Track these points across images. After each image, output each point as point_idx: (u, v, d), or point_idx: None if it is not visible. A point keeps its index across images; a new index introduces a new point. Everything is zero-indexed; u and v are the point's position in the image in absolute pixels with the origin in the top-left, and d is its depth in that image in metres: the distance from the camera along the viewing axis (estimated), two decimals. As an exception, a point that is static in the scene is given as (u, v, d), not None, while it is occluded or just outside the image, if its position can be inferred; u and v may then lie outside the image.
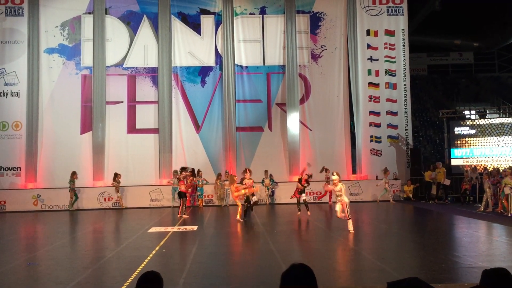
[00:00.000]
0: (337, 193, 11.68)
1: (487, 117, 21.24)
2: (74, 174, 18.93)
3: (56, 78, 20.69)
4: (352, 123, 21.94)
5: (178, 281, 7.15)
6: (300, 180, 15.27)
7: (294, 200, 19.76)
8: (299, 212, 15.30)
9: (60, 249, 10.16)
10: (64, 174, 19.81)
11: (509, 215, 14.41)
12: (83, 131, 20.60)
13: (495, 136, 19.67)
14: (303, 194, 15.32)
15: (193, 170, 17.06)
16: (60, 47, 20.85)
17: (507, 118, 20.24)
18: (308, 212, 14.87)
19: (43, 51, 20.70)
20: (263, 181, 19.65)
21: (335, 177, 11.68)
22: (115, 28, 21.08)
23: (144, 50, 21.15)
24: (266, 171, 19.74)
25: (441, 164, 19.64)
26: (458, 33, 29.20)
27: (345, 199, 11.43)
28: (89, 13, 20.89)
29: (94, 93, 20.48)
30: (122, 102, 20.97)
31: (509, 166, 16.87)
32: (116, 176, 19.17)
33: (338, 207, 11.55)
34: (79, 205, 19.07)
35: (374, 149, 21.27)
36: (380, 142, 21.34)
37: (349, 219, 11.25)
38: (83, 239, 12.16)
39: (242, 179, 14.91)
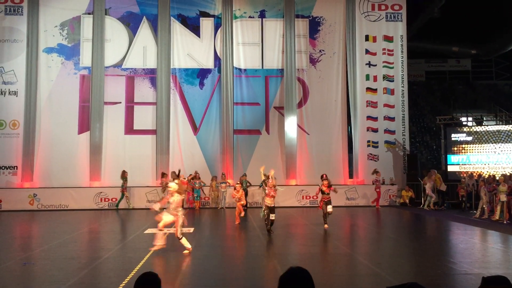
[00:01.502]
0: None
1: (484, 124, 21.32)
2: (125, 173, 19.14)
3: (54, 78, 20.66)
4: (350, 128, 21.99)
5: (174, 283, 7.15)
6: (323, 191, 13.23)
7: (292, 203, 19.91)
8: (326, 225, 12.98)
9: (56, 249, 10.13)
10: (61, 174, 19.79)
11: (505, 222, 14.45)
12: (80, 131, 20.57)
13: (492, 143, 19.75)
14: (329, 206, 13.03)
15: (179, 171, 16.70)
16: (59, 46, 20.84)
17: (503, 126, 20.32)
18: (326, 226, 12.95)
19: (42, 51, 20.67)
20: (261, 184, 19.60)
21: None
22: (114, 29, 21.09)
23: (143, 51, 21.16)
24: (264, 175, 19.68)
25: (436, 172, 19.67)
26: (456, 40, 29.32)
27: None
28: (89, 14, 20.89)
29: (92, 93, 20.47)
30: (120, 102, 20.95)
31: (502, 174, 16.94)
32: (124, 173, 19.23)
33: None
34: (76, 205, 18.99)
35: (371, 154, 21.32)
36: (377, 147, 21.39)
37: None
38: (79, 240, 12.13)
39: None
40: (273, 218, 12.10)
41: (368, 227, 14.53)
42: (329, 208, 12.99)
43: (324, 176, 13.59)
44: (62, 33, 20.89)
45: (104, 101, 20.58)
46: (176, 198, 9.75)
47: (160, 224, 9.71)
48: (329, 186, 13.18)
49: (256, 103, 21.42)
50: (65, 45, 20.88)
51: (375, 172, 19.71)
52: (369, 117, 21.48)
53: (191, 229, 13.05)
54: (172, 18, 21.21)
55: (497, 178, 16.41)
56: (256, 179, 19.64)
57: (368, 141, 21.38)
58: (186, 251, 9.54)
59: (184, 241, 9.62)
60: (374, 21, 21.81)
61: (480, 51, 29.70)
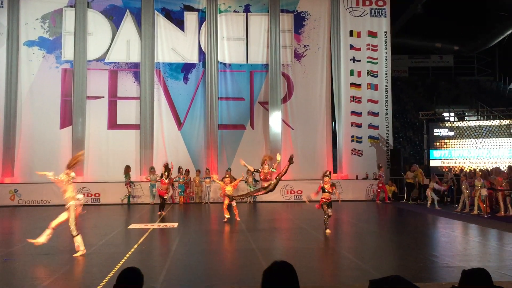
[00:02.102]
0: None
1: (465, 119, 21.61)
2: (129, 168, 19.07)
3: (35, 72, 20.33)
4: (334, 123, 22.08)
5: (157, 278, 7.11)
6: (323, 189, 11.51)
7: (276, 198, 19.89)
8: (328, 230, 11.18)
9: (37, 245, 9.97)
10: (43, 169, 19.34)
11: (485, 216, 14.68)
12: (62, 126, 20.29)
13: (473, 138, 20.02)
14: (330, 209, 11.43)
15: (166, 165, 16.54)
16: (41, 40, 20.50)
17: (485, 121, 20.61)
18: (328, 231, 11.20)
19: (22, 44, 20.31)
20: (246, 180, 19.64)
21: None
22: (97, 22, 20.81)
23: (126, 45, 20.93)
24: (248, 170, 19.67)
25: (417, 166, 19.92)
26: (439, 36, 29.60)
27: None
28: (71, 6, 20.57)
29: (75, 88, 20.20)
30: (103, 97, 20.72)
31: (479, 169, 17.20)
32: (128, 169, 19.14)
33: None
34: (58, 201, 18.76)
35: (355, 149, 21.45)
36: (361, 142, 21.53)
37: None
38: (61, 235, 11.98)
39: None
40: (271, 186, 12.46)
41: (351, 222, 14.64)
42: (330, 212, 11.34)
43: (328, 172, 11.91)
44: (43, 26, 20.55)
45: (86, 95, 20.32)
46: (69, 191, 9.14)
47: (53, 223, 9.15)
48: (332, 185, 11.59)
49: (240, 98, 21.37)
50: (46, 38, 20.55)
51: (379, 167, 19.95)
52: (353, 112, 21.60)
53: (175, 224, 13.00)
54: (156, 11, 21.00)
55: (474, 171, 16.67)
56: (241, 174, 19.66)
57: (352, 136, 21.50)
58: (77, 254, 8.65)
59: (78, 240, 8.75)
60: (358, 16, 21.89)
61: (463, 48, 30.03)
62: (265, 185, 12.66)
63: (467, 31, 28.55)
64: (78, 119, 20.07)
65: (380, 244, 10.48)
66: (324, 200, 11.37)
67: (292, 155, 12.97)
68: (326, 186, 11.41)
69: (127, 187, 19.05)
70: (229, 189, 13.41)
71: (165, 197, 15.61)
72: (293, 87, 21.58)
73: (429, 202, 17.42)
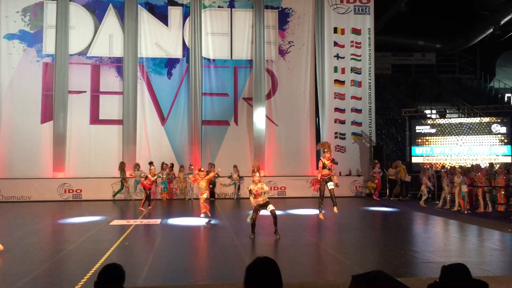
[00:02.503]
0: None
1: (447, 116, 21.88)
2: (123, 164, 18.95)
3: (16, 65, 19.96)
4: (318, 119, 22.17)
5: (140, 274, 7.07)
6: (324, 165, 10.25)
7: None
8: (322, 213, 10.40)
9: (18, 242, 9.85)
10: (23, 164, 19.20)
11: (465, 212, 14.90)
12: (43, 121, 19.99)
13: (454, 136, 20.29)
14: (330, 183, 10.62)
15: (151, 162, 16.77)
16: (21, 33, 20.13)
17: (466, 118, 20.91)
18: (335, 208, 10.95)
19: (2, 37, 19.91)
20: (231, 175, 19.66)
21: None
22: (79, 16, 20.51)
23: (109, 39, 20.68)
24: (235, 166, 19.68)
25: (400, 162, 20.12)
26: (422, 34, 29.92)
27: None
28: (52, -1, 20.25)
29: (56, 82, 19.90)
30: (85, 92, 20.46)
31: (459, 166, 17.44)
32: (122, 165, 19.03)
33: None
34: (39, 197, 18.52)
35: (338, 145, 21.57)
36: (344, 138, 21.66)
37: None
38: (42, 232, 11.84)
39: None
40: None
41: (334, 217, 14.71)
42: (330, 185, 10.42)
43: (327, 145, 11.15)
44: (24, 19, 20.18)
45: (68, 90, 20.04)
46: None
47: None
48: (333, 160, 10.76)
49: (225, 94, 21.31)
50: (27, 31, 20.19)
51: (374, 164, 20.05)
52: (336, 109, 21.71)
53: (158, 221, 12.93)
54: (139, 6, 20.78)
55: (454, 168, 16.89)
56: (225, 170, 19.65)
57: (336, 133, 21.62)
58: None
59: None
60: (342, 13, 21.98)
61: (445, 46, 30.42)
62: (261, 202, 10.29)
63: (449, 29, 28.91)
64: (59, 114, 19.79)
65: (363, 240, 10.57)
66: (323, 178, 10.52)
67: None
68: (327, 162, 10.57)
69: (123, 183, 18.94)
70: (203, 184, 12.52)
71: (148, 191, 15.42)
72: (277, 83, 21.59)
73: (424, 198, 17.20)
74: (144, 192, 15.50)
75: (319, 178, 10.70)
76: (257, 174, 10.17)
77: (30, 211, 15.65)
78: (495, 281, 6.50)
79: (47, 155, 19.63)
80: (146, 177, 15.64)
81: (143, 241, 10.62)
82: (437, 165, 20.01)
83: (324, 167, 10.61)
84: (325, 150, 11.16)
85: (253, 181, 10.16)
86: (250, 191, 9.96)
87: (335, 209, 10.31)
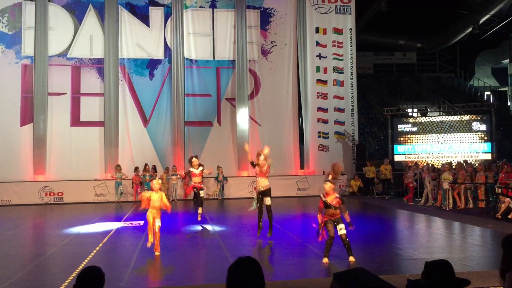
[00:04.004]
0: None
1: (428, 115, 22.12)
2: (118, 167, 18.79)
3: (-6, 67, 19.64)
4: (301, 119, 22.23)
5: (123, 277, 6.99)
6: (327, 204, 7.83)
7: (244, 194, 19.88)
8: (352, 258, 7.81)
9: (-3, 246, 9.66)
10: (2, 168, 18.84)
11: (447, 209, 15.08)
12: (23, 123, 19.68)
13: (435, 134, 20.53)
14: (341, 225, 7.75)
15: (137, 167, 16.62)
16: (-1, 34, 19.80)
17: (446, 117, 21.17)
18: (351, 258, 7.78)
19: (-21, 38, 19.59)
20: (217, 176, 19.55)
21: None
22: (58, 17, 20.24)
23: (89, 40, 20.44)
24: (219, 167, 19.56)
25: (388, 161, 20.21)
26: (402, 34, 30.22)
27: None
28: (31, 0, 19.92)
29: (35, 84, 19.59)
30: (66, 93, 20.19)
31: (447, 162, 17.65)
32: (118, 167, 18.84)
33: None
34: (19, 200, 18.20)
35: (321, 144, 21.66)
36: (327, 138, 21.75)
37: None
38: (22, 235, 11.64)
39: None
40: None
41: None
42: (341, 230, 7.70)
43: (329, 177, 8.54)
44: (2, 21, 19.85)
45: (48, 92, 19.76)
46: None
47: None
48: (340, 199, 7.90)
49: (207, 95, 21.23)
50: (5, 33, 19.85)
51: (408, 168, 19.81)
52: (319, 109, 21.79)
53: (141, 222, 12.80)
54: (120, 6, 20.59)
55: (442, 165, 17.03)
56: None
57: (319, 132, 21.71)
58: None
59: None
60: (324, 13, 22.07)
61: (425, 45, 30.78)
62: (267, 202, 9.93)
63: (429, 29, 29.26)
64: (39, 116, 19.49)
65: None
66: (329, 218, 7.79)
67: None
68: (328, 198, 7.76)
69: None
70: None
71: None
72: (260, 83, 21.59)
73: (423, 200, 16.91)
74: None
75: (321, 223, 7.84)
76: (261, 157, 10.15)
77: (10, 215, 15.37)
78: (477, 276, 6.57)
79: (27, 158, 19.32)
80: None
81: (126, 243, 10.51)
82: (422, 163, 20.06)
83: (327, 206, 7.77)
84: (329, 179, 8.20)
85: (258, 164, 10.02)
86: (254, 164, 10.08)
87: (351, 258, 7.69)
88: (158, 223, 8.49)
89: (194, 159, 12.35)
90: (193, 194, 19.09)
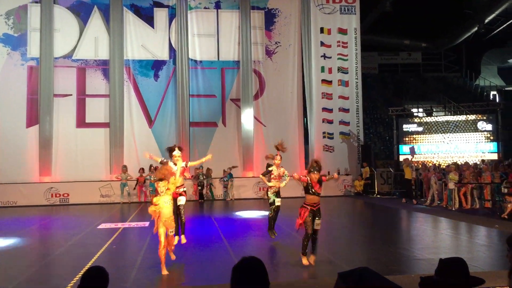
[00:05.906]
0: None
1: (433, 115, 22.03)
2: (124, 167, 18.93)
3: (0, 69, 19.73)
4: (305, 120, 22.20)
5: (128, 278, 6.99)
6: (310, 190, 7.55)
7: (249, 195, 20.01)
8: (313, 256, 7.59)
9: (3, 247, 9.70)
10: (9, 169, 18.93)
11: (453, 209, 15.01)
12: (29, 125, 19.77)
13: (441, 133, 20.44)
14: (317, 220, 7.57)
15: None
16: (5, 36, 19.89)
17: (452, 116, 21.09)
18: (312, 258, 7.57)
19: (-15, 40, 19.70)
20: (227, 179, 19.60)
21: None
22: (63, 19, 20.33)
23: (94, 42, 20.52)
24: (229, 168, 19.63)
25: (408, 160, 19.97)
26: (407, 34, 30.15)
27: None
28: (36, 2, 20.02)
29: (41, 85, 19.68)
30: (71, 95, 20.27)
31: (453, 162, 17.56)
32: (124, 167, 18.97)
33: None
34: (25, 201, 18.27)
35: (326, 145, 21.62)
36: (332, 138, 21.71)
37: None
38: (29, 236, 11.68)
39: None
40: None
41: (323, 217, 14.71)
42: (317, 224, 7.54)
43: (315, 163, 7.89)
44: (7, 23, 19.95)
45: (54, 93, 19.84)
46: None
47: None
48: (320, 182, 7.66)
49: (212, 95, 21.24)
50: (11, 35, 19.96)
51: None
52: (324, 109, 21.75)
53: (146, 223, 12.83)
54: (124, 8, 20.65)
55: (448, 165, 16.93)
56: (214, 172, 19.60)
57: (324, 133, 21.67)
58: None
59: None
60: (328, 13, 22.04)
61: (430, 44, 30.70)
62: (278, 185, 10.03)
63: (434, 28, 29.17)
64: (45, 117, 19.58)
65: (351, 238, 10.58)
66: (310, 208, 7.46)
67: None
68: (315, 185, 7.50)
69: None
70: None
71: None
72: (265, 84, 21.58)
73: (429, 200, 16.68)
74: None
75: (303, 216, 7.46)
76: (279, 156, 9.88)
77: (16, 216, 15.45)
78: (483, 277, 6.52)
79: (33, 160, 19.40)
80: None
81: (131, 244, 10.53)
82: (428, 163, 19.95)
83: (308, 191, 7.48)
84: (311, 170, 7.80)
85: (274, 163, 9.82)
86: (269, 172, 9.82)
87: (311, 258, 7.41)
88: (171, 232, 7.48)
89: (176, 150, 9.10)
90: (198, 194, 19.19)
